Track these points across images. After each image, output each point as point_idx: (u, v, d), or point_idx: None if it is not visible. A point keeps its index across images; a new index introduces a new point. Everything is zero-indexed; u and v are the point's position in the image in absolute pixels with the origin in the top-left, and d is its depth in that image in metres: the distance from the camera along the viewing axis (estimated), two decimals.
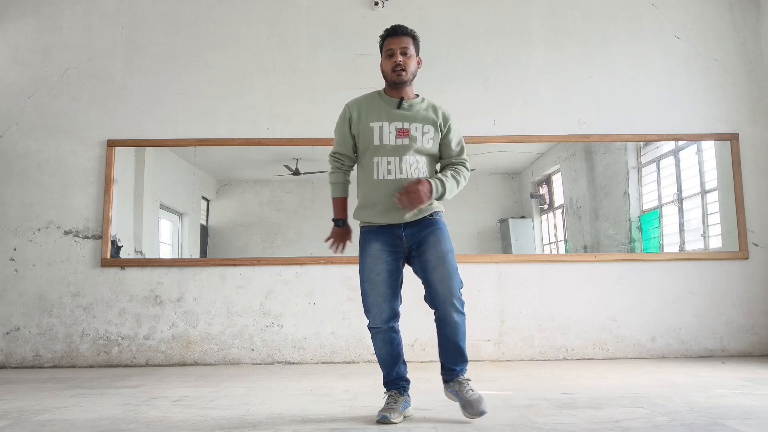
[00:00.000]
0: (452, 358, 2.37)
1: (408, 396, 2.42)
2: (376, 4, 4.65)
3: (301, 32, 4.70)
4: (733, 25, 4.71)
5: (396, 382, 2.42)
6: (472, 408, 2.25)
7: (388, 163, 2.34)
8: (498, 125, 4.59)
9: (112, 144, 4.51)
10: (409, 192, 2.25)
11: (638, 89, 4.64)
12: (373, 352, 2.46)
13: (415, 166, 2.35)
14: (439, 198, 2.36)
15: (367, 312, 2.39)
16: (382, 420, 2.23)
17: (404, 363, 2.46)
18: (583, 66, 4.66)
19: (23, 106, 4.58)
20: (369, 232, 2.40)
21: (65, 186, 4.49)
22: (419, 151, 2.37)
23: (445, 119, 2.44)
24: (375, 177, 2.36)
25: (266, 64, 4.66)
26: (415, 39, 2.42)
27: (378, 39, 2.47)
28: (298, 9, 4.73)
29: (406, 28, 2.40)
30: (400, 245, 2.36)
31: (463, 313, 2.36)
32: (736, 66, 4.66)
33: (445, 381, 2.40)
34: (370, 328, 2.41)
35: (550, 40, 4.70)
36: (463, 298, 2.36)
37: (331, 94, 4.58)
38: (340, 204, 2.55)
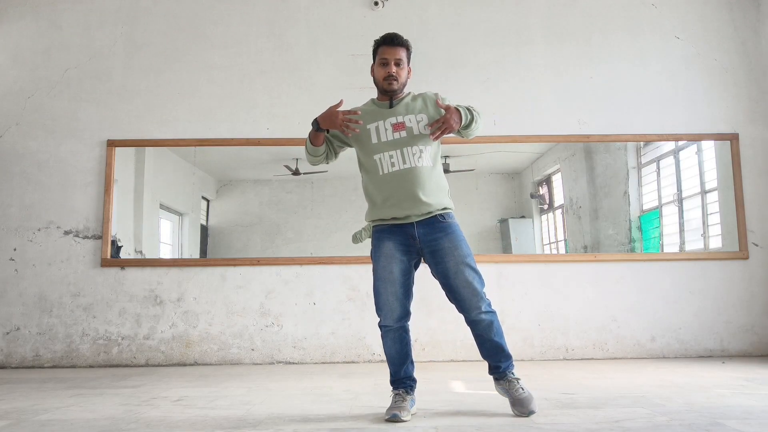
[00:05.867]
0: (493, 355, 2.43)
1: (414, 395, 2.45)
2: (376, 4, 4.65)
3: (301, 32, 4.70)
4: (733, 25, 4.71)
5: (403, 381, 2.45)
6: (522, 406, 2.32)
7: (391, 156, 2.40)
8: (498, 125, 4.59)
9: (112, 144, 4.52)
10: (442, 122, 2.31)
11: (638, 89, 4.64)
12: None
13: (419, 155, 2.40)
14: (470, 124, 2.39)
15: (378, 310, 2.43)
16: (393, 418, 2.25)
17: (412, 362, 2.49)
18: (583, 66, 4.66)
19: (23, 106, 4.59)
20: (382, 231, 2.43)
21: (65, 186, 4.49)
22: (419, 139, 2.41)
23: (431, 99, 2.48)
24: (380, 173, 2.41)
25: (266, 64, 4.66)
26: (408, 50, 2.48)
27: (372, 43, 2.52)
28: (298, 9, 4.73)
29: (401, 38, 2.46)
30: (413, 244, 2.40)
31: (493, 311, 2.40)
32: (736, 66, 4.66)
33: (495, 379, 2.46)
34: (380, 326, 2.45)
35: (550, 40, 4.70)
36: (488, 297, 2.41)
37: (331, 94, 4.55)
38: (311, 131, 2.45)
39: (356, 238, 2.56)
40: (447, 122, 2.32)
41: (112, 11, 4.71)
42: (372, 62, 2.53)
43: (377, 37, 2.50)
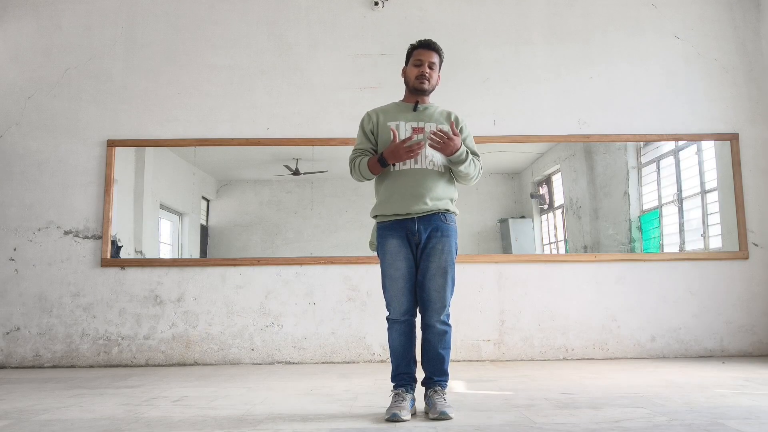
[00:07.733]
0: (432, 366, 2.47)
1: (413, 394, 2.47)
2: (376, 4, 4.65)
3: (301, 32, 4.70)
4: (733, 25, 4.71)
5: (404, 376, 2.47)
6: (435, 409, 2.32)
7: None
8: (498, 125, 4.59)
9: (112, 144, 4.52)
10: (444, 137, 2.36)
11: (638, 89, 4.64)
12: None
13: (431, 158, 2.48)
14: (460, 162, 2.45)
15: (387, 305, 2.50)
16: (393, 418, 2.26)
17: (415, 361, 2.52)
18: (583, 66, 4.66)
19: (23, 106, 4.59)
20: (386, 229, 2.49)
21: (65, 186, 4.49)
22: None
23: (457, 121, 2.60)
24: (392, 169, 2.49)
25: (266, 64, 4.66)
26: (441, 57, 2.60)
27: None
28: (298, 9, 4.73)
29: (437, 44, 2.58)
30: (414, 240, 2.47)
31: (449, 325, 2.47)
32: (736, 66, 4.66)
33: (426, 390, 2.48)
34: (388, 319, 2.52)
35: (550, 40, 4.70)
36: (450, 309, 2.48)
37: (331, 94, 4.59)
38: (373, 160, 2.49)
39: (372, 245, 2.61)
40: (446, 143, 2.38)
41: (112, 11, 4.71)
42: (404, 66, 2.61)
43: (413, 42, 2.59)
